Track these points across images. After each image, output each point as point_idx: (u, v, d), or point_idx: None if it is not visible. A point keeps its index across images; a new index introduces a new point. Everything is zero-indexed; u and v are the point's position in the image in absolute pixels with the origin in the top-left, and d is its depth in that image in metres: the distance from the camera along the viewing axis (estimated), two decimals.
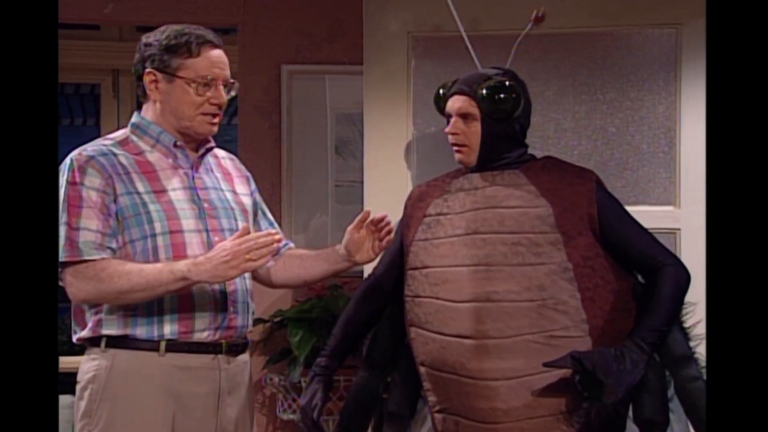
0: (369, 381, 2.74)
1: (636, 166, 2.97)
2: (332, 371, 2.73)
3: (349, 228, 2.53)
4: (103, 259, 2.38)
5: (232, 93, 2.53)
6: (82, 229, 2.38)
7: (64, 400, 3.33)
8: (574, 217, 2.54)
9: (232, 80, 2.52)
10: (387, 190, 3.02)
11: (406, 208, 2.77)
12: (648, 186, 3.00)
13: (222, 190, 2.56)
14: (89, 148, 2.47)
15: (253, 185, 2.69)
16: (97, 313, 2.42)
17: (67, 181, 2.41)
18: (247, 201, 2.62)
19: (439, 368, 2.61)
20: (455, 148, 2.67)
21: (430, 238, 2.66)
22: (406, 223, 2.74)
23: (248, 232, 2.39)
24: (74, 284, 2.39)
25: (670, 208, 3.05)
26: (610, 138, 3.01)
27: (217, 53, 2.50)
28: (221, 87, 2.49)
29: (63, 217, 2.39)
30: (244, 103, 4.09)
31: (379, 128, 3.05)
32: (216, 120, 2.51)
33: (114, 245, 2.41)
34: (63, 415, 3.56)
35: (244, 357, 2.56)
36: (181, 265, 2.35)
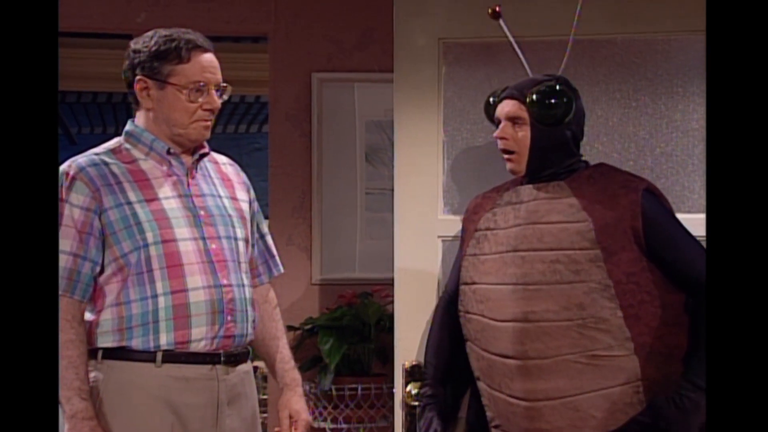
0: (443, 395, 2.69)
1: (670, 173, 2.93)
2: (441, 398, 2.69)
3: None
4: (69, 299, 2.34)
5: (225, 97, 2.48)
6: (60, 252, 2.33)
7: None
8: (616, 232, 2.47)
9: (224, 83, 2.47)
10: (417, 197, 3.01)
11: (463, 221, 2.77)
12: (682, 194, 2.95)
13: (220, 196, 2.52)
14: (80, 159, 2.43)
15: (252, 194, 2.65)
16: (91, 325, 2.39)
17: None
18: (246, 208, 2.58)
19: (490, 385, 2.59)
20: (505, 156, 2.63)
21: (478, 253, 2.64)
22: (462, 236, 2.74)
23: None
24: None
25: (704, 216, 3.01)
26: (644, 145, 2.97)
27: (208, 57, 2.45)
28: (213, 92, 2.44)
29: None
30: (274, 111, 4.10)
31: (409, 136, 3.04)
32: (209, 125, 2.47)
33: (86, 268, 2.37)
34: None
35: (245, 367, 2.51)
36: (76, 402, 2.30)
